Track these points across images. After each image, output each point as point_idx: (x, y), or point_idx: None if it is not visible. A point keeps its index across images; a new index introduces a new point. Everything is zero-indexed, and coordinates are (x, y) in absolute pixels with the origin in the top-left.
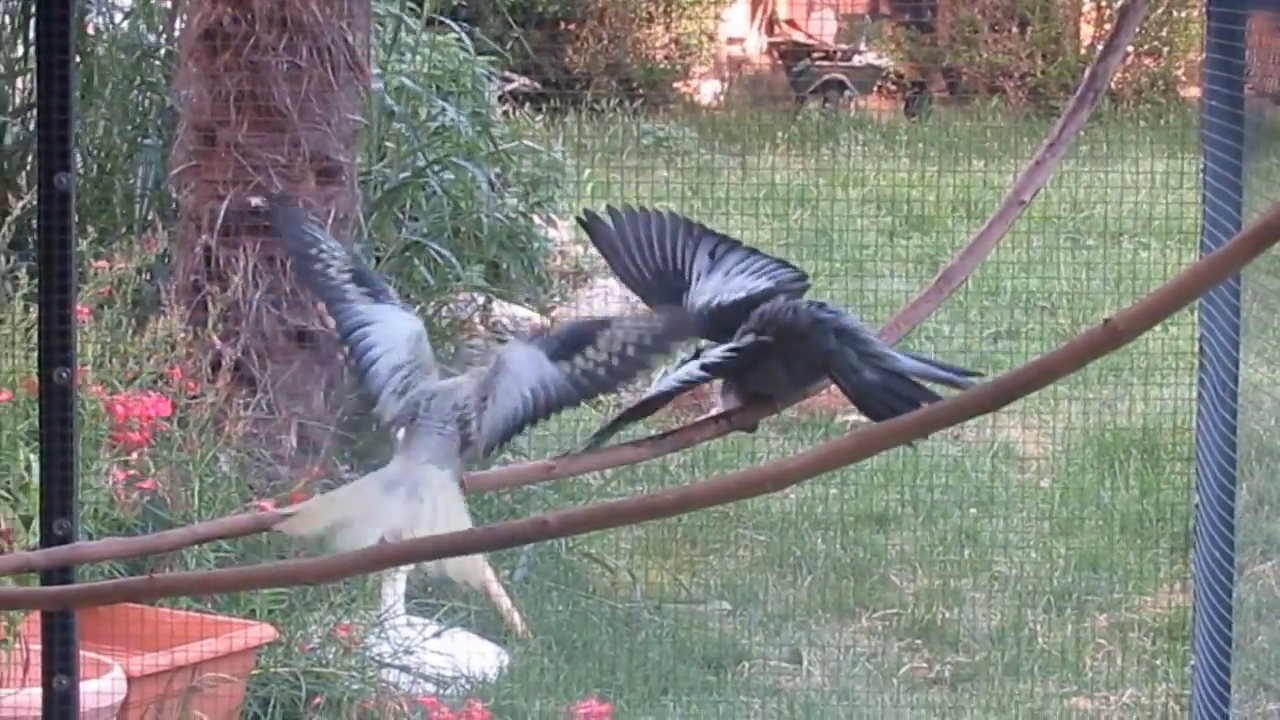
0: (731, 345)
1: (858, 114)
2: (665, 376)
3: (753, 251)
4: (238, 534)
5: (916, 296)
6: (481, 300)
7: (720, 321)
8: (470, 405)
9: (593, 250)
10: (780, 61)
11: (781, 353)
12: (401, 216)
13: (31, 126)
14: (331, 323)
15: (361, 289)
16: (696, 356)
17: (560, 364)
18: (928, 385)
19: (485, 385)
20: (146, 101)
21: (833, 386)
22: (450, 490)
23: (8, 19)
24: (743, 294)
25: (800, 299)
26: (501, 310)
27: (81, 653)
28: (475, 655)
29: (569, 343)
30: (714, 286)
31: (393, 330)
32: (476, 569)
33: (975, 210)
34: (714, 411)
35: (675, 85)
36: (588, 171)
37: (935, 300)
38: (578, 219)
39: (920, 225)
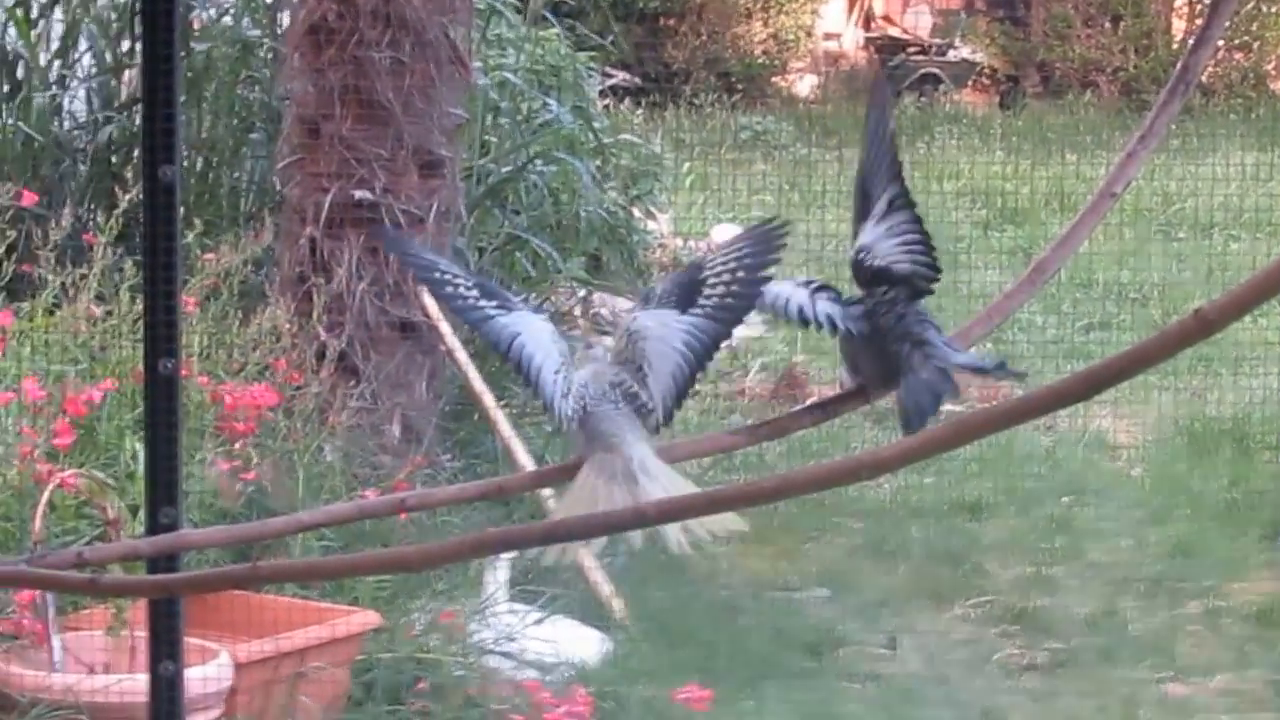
0: (846, 317)
1: (952, 108)
2: (812, 305)
3: (917, 219)
4: (341, 522)
5: (1010, 288)
6: (582, 292)
7: (858, 276)
8: (628, 379)
9: (691, 243)
10: (876, 57)
11: (873, 345)
12: (503, 210)
13: (138, 121)
14: (434, 311)
15: (493, 302)
16: (814, 291)
17: (691, 312)
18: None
19: (635, 356)
20: (251, 96)
21: None
22: (659, 461)
23: (114, 14)
24: (883, 264)
25: (911, 304)
26: (602, 302)
27: (187, 639)
28: (577, 641)
29: (686, 291)
30: (875, 237)
31: (538, 336)
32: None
33: (1068, 203)
34: (810, 401)
35: (773, 80)
36: (686, 165)
37: (1028, 292)
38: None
39: (1014, 218)
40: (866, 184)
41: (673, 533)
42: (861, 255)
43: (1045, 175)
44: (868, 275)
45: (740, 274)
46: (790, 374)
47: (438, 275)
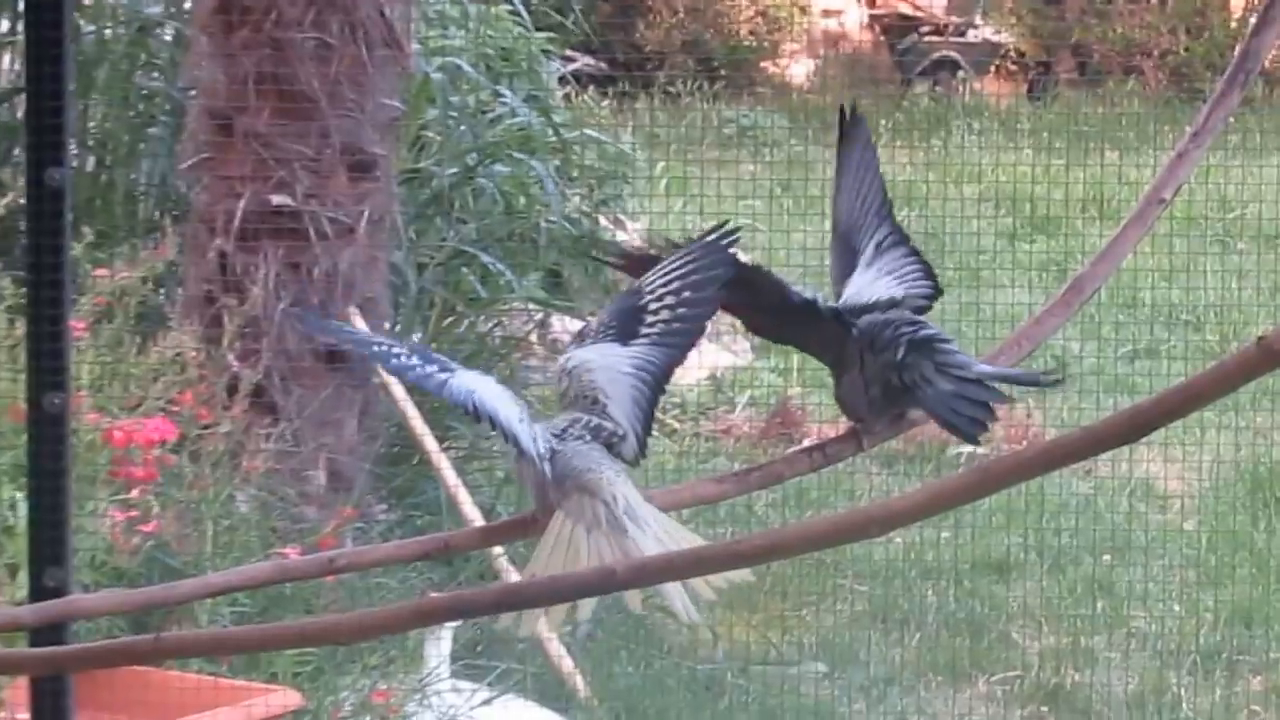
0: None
1: (972, 98)
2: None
3: (913, 252)
4: (258, 585)
5: (1041, 309)
6: (540, 315)
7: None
8: (584, 415)
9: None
10: (883, 38)
11: (866, 374)
12: (447, 219)
13: (20, 114)
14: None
15: (434, 365)
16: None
17: (634, 343)
18: (1003, 388)
19: (583, 390)
20: (151, 85)
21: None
22: (647, 504)
23: None
24: (869, 300)
25: (904, 314)
26: (562, 326)
27: None
28: None
29: (626, 319)
30: (861, 286)
31: (492, 389)
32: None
33: (1109, 210)
34: (807, 442)
35: (762, 65)
36: (661, 165)
37: (1063, 314)
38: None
39: (1045, 227)
40: (848, 237)
41: (677, 595)
42: (842, 303)
43: (1082, 177)
44: (855, 314)
45: (686, 293)
46: (784, 409)
47: (380, 348)
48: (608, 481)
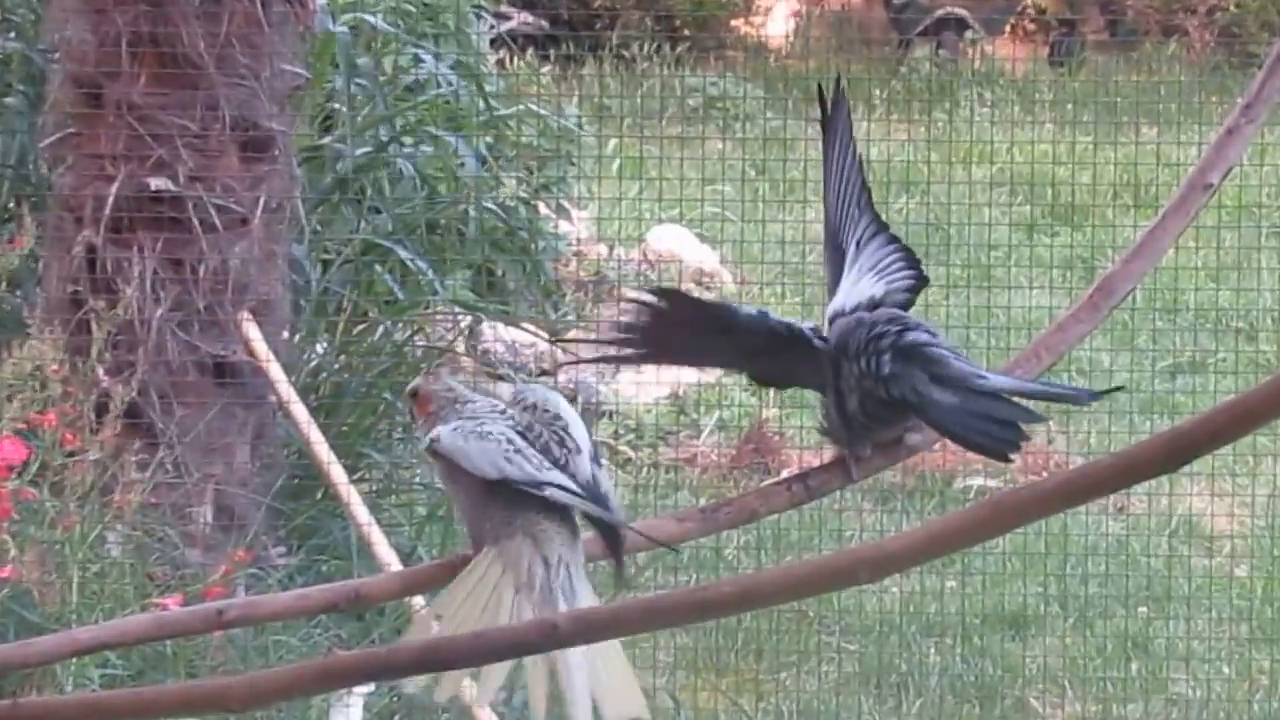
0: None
1: (984, 63)
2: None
3: (892, 239)
4: (133, 642)
5: (1065, 314)
6: (468, 320)
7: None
8: (543, 430)
9: (620, 251)
10: None
11: (840, 380)
12: (358, 207)
13: None
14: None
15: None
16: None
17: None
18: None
19: (540, 403)
20: (7, 47)
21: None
22: (588, 585)
23: None
24: (852, 305)
25: (882, 312)
26: (495, 334)
27: None
28: None
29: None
30: (846, 292)
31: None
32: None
33: (1145, 197)
34: (786, 473)
35: (733, 24)
36: (613, 143)
37: (1091, 320)
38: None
39: (1070, 217)
40: (836, 236)
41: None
42: (832, 313)
43: (1113, 158)
44: (836, 334)
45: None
46: (758, 435)
47: None
48: (558, 544)
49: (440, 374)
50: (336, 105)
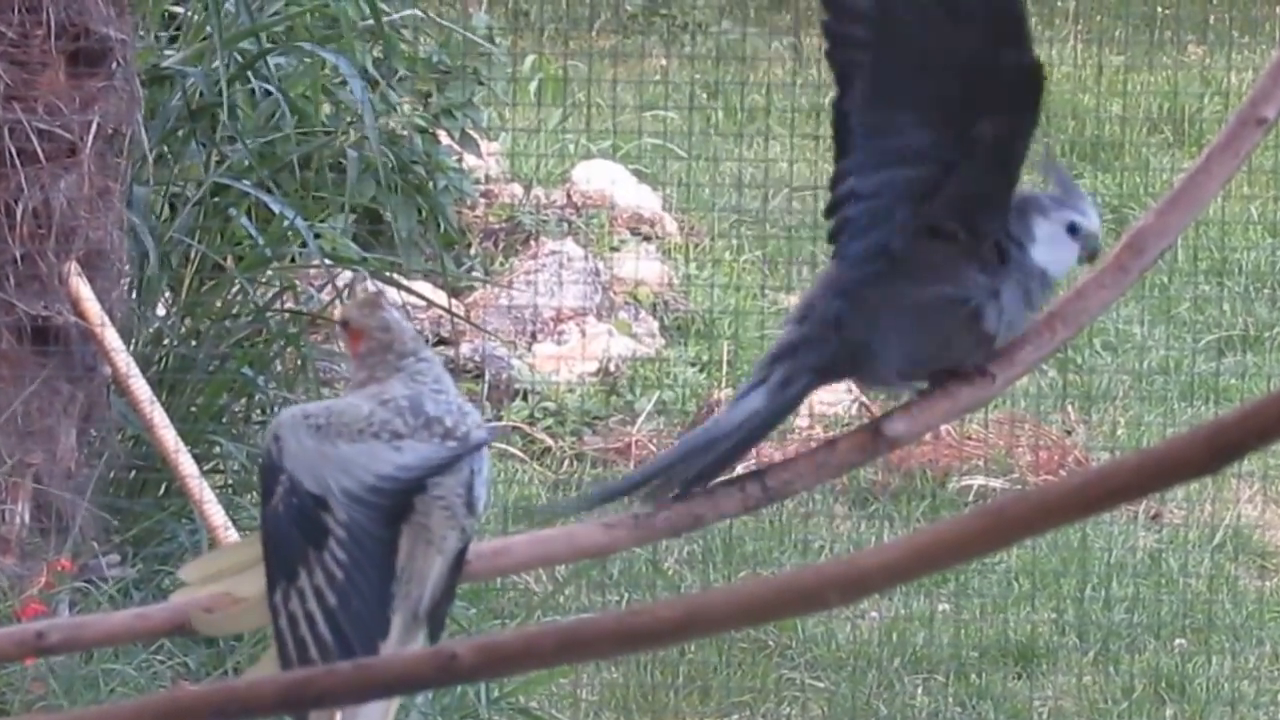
0: None
1: None
2: None
3: None
4: None
5: (1085, 278)
6: (346, 277)
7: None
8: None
9: (539, 193)
10: None
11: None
12: (210, 137)
13: None
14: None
15: None
16: None
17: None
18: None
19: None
20: None
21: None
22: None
23: None
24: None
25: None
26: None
27: None
28: None
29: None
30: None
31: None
32: None
33: (1186, 133)
34: (740, 469)
35: None
36: (531, 59)
37: (1118, 285)
38: None
39: (1094, 155)
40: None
41: None
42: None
43: (1149, 84)
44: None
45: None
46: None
47: None
48: (435, 568)
49: (379, 300)
50: (188, 12)
